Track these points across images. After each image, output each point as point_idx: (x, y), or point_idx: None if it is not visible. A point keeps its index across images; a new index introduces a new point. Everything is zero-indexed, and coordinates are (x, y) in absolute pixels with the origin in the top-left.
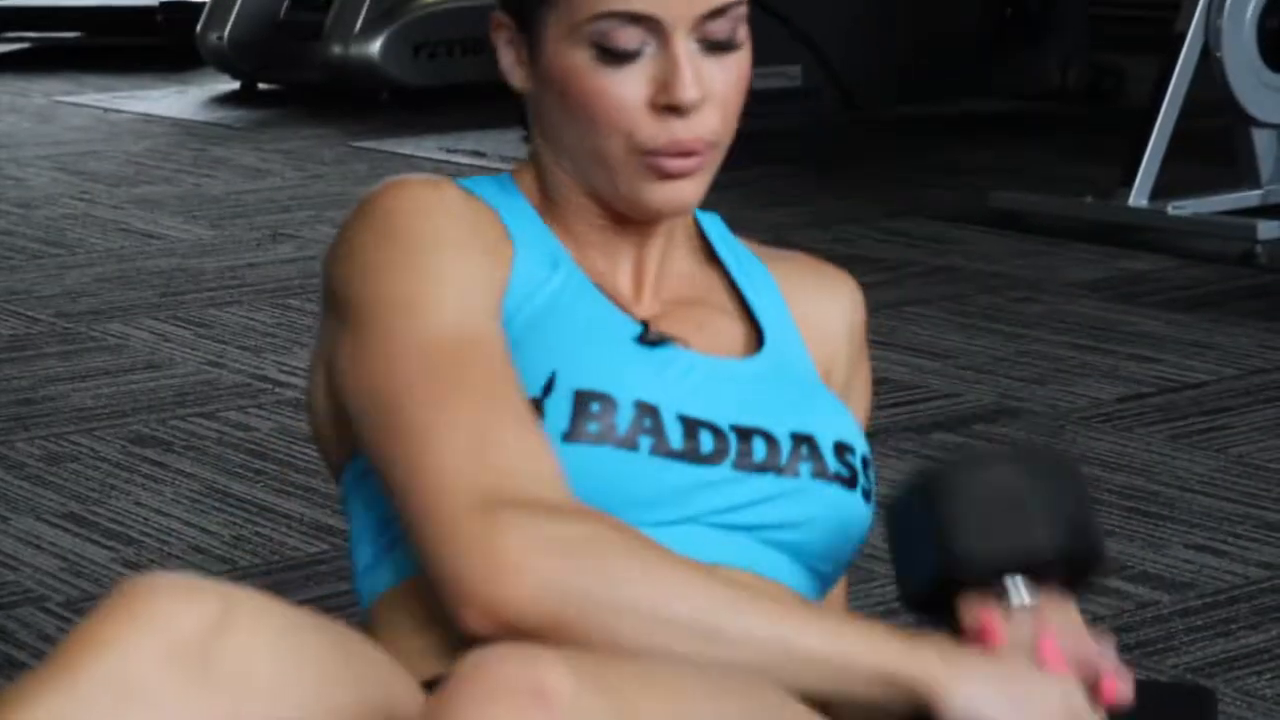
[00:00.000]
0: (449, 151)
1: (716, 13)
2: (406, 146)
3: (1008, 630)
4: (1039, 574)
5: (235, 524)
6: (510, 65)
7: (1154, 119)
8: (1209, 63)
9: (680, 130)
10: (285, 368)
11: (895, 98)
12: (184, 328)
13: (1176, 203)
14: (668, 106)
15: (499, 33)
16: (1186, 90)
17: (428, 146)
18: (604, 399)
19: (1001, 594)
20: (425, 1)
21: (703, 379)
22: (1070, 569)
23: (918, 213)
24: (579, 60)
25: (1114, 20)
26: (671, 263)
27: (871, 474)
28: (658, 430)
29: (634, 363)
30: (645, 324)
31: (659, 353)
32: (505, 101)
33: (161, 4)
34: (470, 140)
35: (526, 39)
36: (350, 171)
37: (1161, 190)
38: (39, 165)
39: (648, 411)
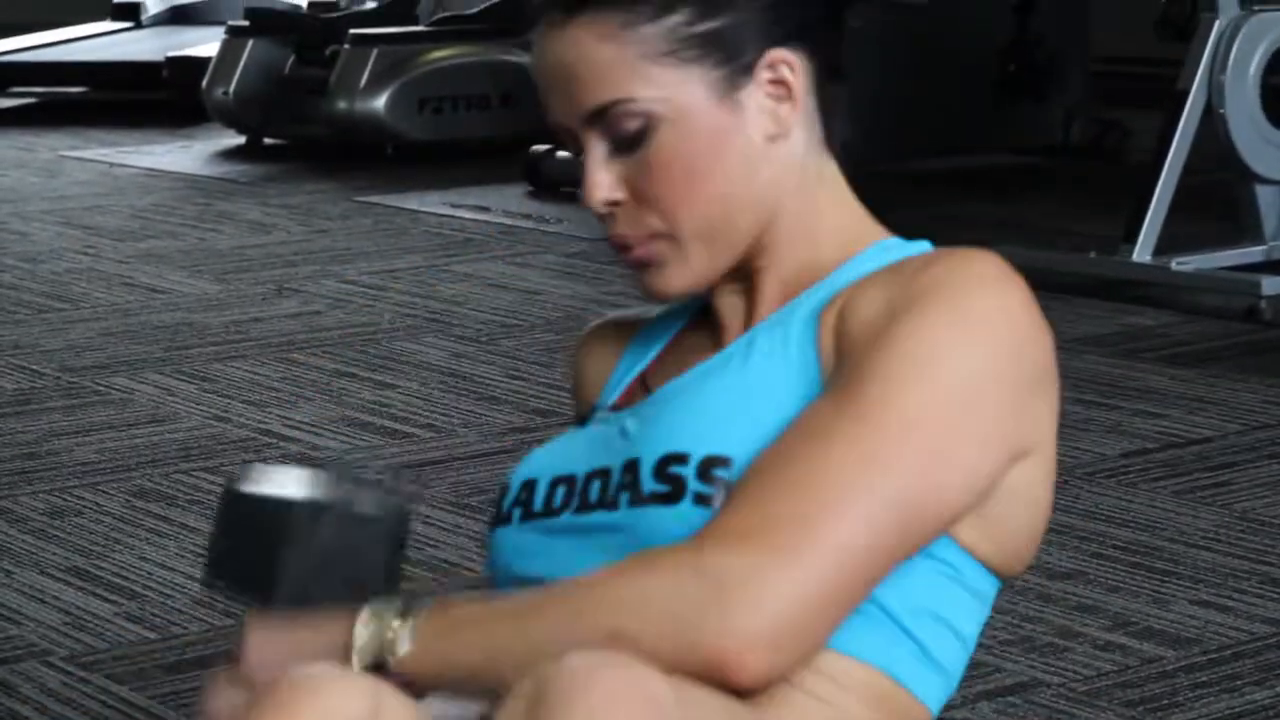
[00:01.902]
0: (453, 206)
1: (597, 115)
2: (411, 201)
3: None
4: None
5: None
6: None
7: (1157, 174)
8: (1212, 119)
9: (610, 228)
10: (289, 422)
11: (899, 152)
12: (188, 382)
13: (1180, 258)
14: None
15: None
16: (1190, 146)
17: (432, 201)
18: (506, 488)
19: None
20: (430, 57)
21: (607, 433)
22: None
23: None
24: None
25: (1117, 75)
26: (759, 309)
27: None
28: (529, 500)
29: (557, 446)
30: (594, 409)
31: (588, 430)
32: (510, 156)
33: (167, 59)
34: (474, 195)
35: None
36: (355, 226)
37: (1165, 246)
38: (44, 220)
39: (526, 486)
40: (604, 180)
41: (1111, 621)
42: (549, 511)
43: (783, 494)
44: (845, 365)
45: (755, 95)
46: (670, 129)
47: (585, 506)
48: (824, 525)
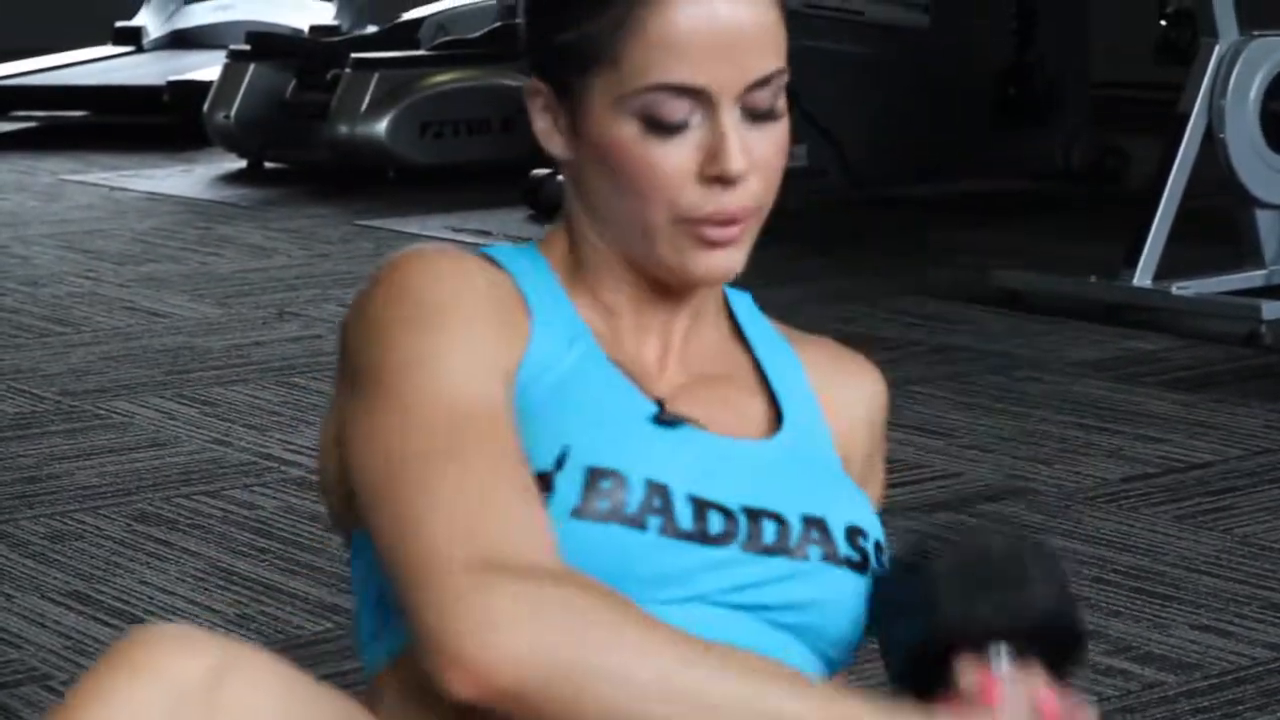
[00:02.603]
0: (455, 230)
1: (762, 82)
2: (412, 225)
3: (1003, 694)
4: (1022, 647)
5: (240, 603)
6: (546, 131)
7: (1158, 199)
8: (1212, 143)
9: (726, 200)
10: (291, 446)
11: (900, 177)
12: (189, 406)
13: (1181, 283)
14: (715, 177)
15: (534, 99)
16: (1190, 171)
17: (433, 225)
18: (615, 476)
19: (985, 663)
20: (431, 81)
21: (716, 460)
22: (1054, 645)
23: (921, 292)
24: (626, 131)
25: (1118, 100)
26: (698, 335)
27: (885, 559)
28: (667, 510)
29: (648, 442)
30: (661, 403)
31: (673, 433)
32: (511, 180)
33: (168, 83)
34: (476, 219)
35: (567, 106)
36: (356, 250)
37: (1166, 270)
38: (45, 243)
39: (658, 491)
40: (742, 147)
41: (1113, 646)
42: (704, 536)
43: None
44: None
45: None
46: (786, 107)
47: (762, 547)
48: None
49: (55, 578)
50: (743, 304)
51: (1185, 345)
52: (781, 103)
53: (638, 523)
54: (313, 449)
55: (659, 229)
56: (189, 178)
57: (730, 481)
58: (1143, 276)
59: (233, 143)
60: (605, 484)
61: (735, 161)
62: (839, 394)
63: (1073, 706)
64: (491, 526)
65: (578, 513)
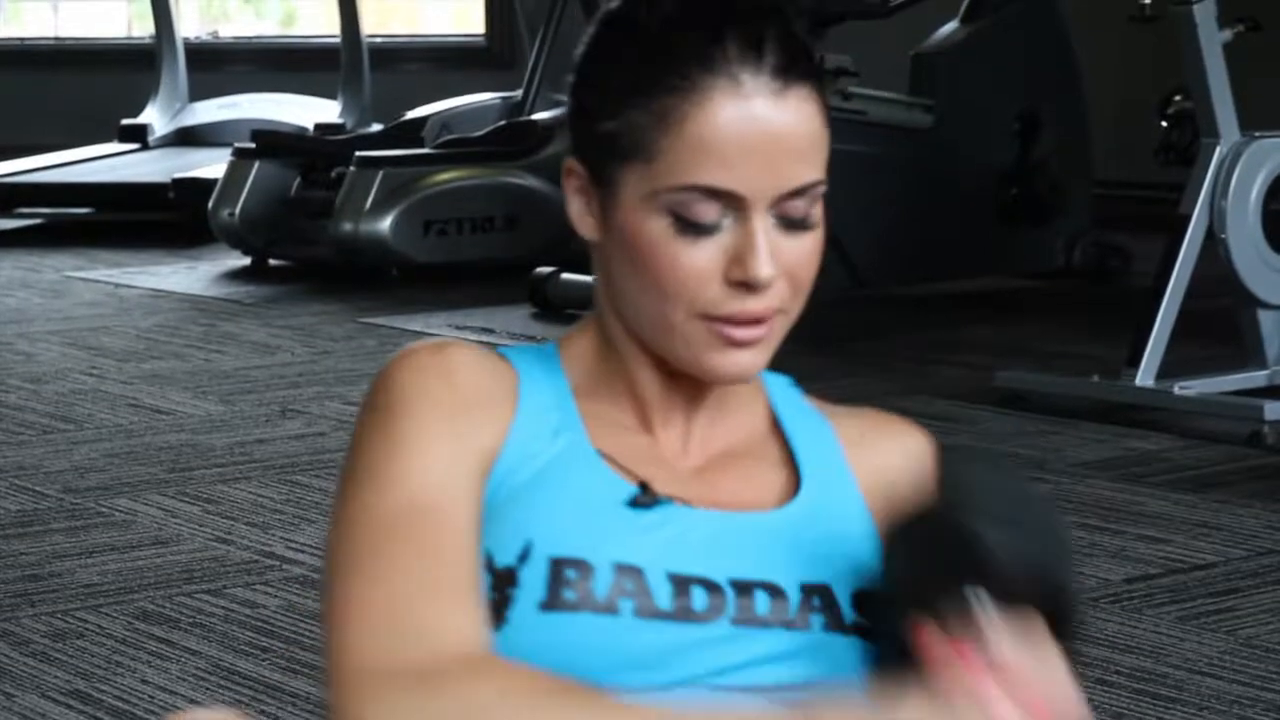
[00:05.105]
0: (457, 328)
1: (797, 192)
2: (415, 323)
3: (967, 653)
4: (1007, 596)
5: (242, 702)
6: (579, 214)
7: (1159, 299)
8: (1214, 244)
9: (751, 303)
10: (293, 544)
11: (902, 276)
12: (192, 504)
13: (1183, 383)
14: (740, 282)
15: (570, 179)
16: (1192, 271)
17: (436, 323)
18: (580, 565)
19: (962, 613)
20: (435, 180)
21: (705, 535)
22: (1044, 595)
23: (923, 392)
24: (655, 227)
25: (1120, 200)
26: (724, 418)
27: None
28: (641, 591)
29: (617, 526)
30: (644, 486)
31: (651, 514)
32: (514, 278)
33: (173, 180)
34: (479, 317)
35: (600, 192)
36: (359, 347)
37: (1168, 370)
38: (49, 340)
39: (628, 574)
40: (771, 253)
41: None
42: (686, 614)
43: None
44: None
45: None
46: (822, 215)
47: (755, 619)
48: None
49: (56, 676)
50: (779, 386)
51: (1188, 446)
52: (817, 211)
53: (609, 608)
54: (316, 547)
55: (676, 326)
56: (193, 275)
57: (720, 555)
58: (1145, 376)
59: (237, 240)
60: (570, 574)
61: (763, 269)
62: (876, 458)
63: (1063, 687)
64: (406, 627)
65: (546, 606)
